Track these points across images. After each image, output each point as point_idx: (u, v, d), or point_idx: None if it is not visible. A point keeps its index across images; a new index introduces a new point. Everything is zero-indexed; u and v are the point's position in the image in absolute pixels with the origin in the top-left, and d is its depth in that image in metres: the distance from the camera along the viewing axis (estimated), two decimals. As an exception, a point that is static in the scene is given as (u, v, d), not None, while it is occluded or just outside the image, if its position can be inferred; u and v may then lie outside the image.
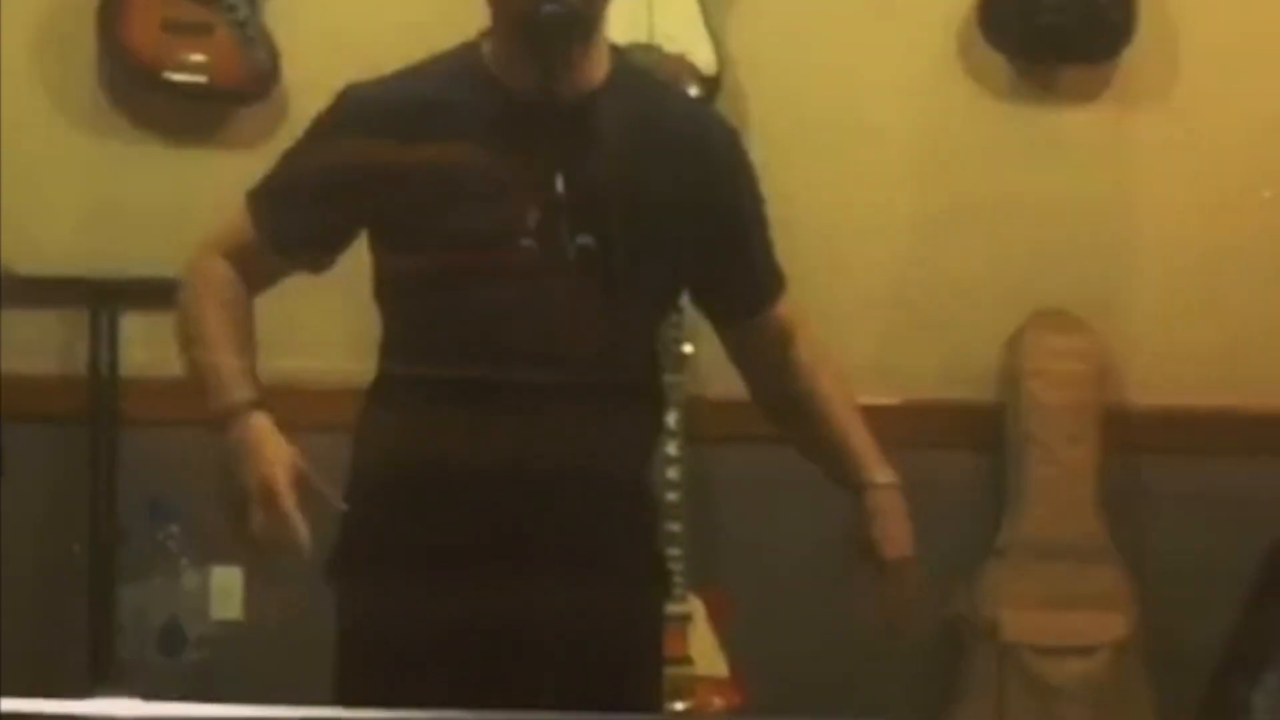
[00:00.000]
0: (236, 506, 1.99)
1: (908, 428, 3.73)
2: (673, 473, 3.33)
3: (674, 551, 3.31)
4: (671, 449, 3.33)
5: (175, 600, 3.36)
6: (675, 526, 3.32)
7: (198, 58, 3.32)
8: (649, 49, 3.35)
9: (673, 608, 3.30)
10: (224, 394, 2.05)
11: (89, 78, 3.44)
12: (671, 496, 3.30)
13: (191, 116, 3.42)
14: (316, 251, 2.16)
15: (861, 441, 2.27)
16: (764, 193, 2.29)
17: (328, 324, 3.22)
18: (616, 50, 2.18)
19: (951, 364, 3.66)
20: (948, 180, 3.62)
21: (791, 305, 2.31)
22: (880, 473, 2.26)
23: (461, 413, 2.04)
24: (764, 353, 2.28)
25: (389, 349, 2.17)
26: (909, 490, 3.49)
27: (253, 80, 3.35)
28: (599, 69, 2.11)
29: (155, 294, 3.46)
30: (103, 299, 3.46)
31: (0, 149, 3.36)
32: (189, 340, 2.13)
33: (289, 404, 2.13)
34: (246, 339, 2.12)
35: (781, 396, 2.30)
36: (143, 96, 3.41)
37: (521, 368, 1.91)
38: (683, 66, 3.39)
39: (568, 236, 1.80)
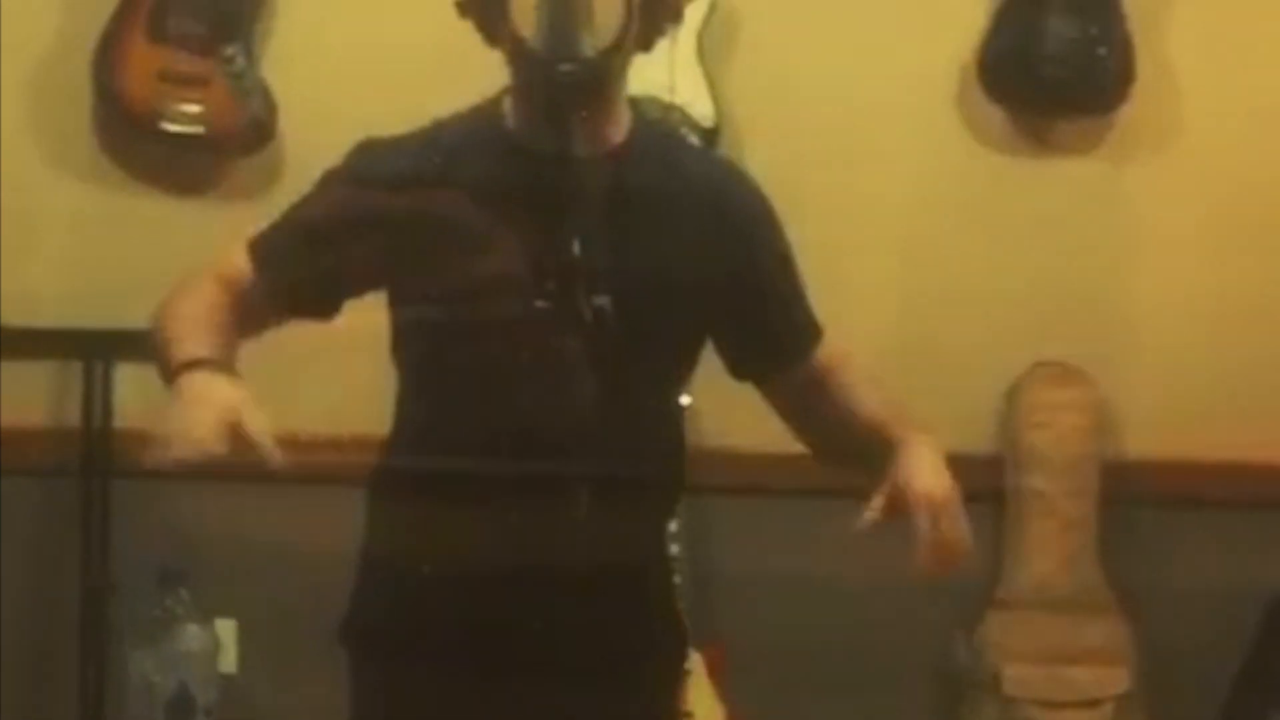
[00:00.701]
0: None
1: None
2: (672, 525, 3.30)
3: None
4: (670, 501, 3.33)
5: (184, 667, 3.30)
6: (676, 579, 3.29)
7: (194, 109, 3.31)
8: (649, 101, 3.36)
9: (670, 661, 3.29)
10: (174, 355, 1.96)
11: (85, 128, 3.43)
12: (671, 549, 3.28)
13: (188, 167, 3.41)
14: (321, 304, 2.11)
15: (897, 421, 2.18)
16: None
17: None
18: (637, 108, 2.16)
19: (950, 415, 3.63)
20: (946, 232, 3.61)
21: (830, 349, 2.26)
22: (908, 428, 2.16)
23: (477, 494, 1.99)
24: (810, 400, 2.23)
25: (403, 410, 2.13)
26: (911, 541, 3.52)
27: (249, 131, 3.34)
28: (619, 127, 2.09)
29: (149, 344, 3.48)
30: (97, 350, 3.44)
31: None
32: (159, 339, 2.05)
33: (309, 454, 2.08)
34: (216, 325, 2.02)
35: (843, 437, 2.23)
36: (139, 147, 3.40)
37: (538, 437, 1.86)
38: (682, 118, 3.39)
39: (584, 298, 1.78)
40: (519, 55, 1.90)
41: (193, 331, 1.99)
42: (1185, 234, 3.63)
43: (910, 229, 3.62)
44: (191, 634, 3.26)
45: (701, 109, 3.40)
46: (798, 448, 3.43)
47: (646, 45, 2.08)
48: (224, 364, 1.95)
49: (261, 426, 1.84)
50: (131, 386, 3.49)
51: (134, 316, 3.48)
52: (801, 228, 3.57)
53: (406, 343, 2.12)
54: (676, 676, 2.35)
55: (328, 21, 3.46)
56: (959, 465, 3.56)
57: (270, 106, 3.35)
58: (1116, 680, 3.45)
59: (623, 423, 2.00)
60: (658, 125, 2.23)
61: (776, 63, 3.54)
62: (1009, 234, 3.62)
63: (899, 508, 2.03)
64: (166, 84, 3.31)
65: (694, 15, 3.40)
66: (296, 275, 2.08)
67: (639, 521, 2.10)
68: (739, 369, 2.24)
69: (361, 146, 2.10)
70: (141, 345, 3.41)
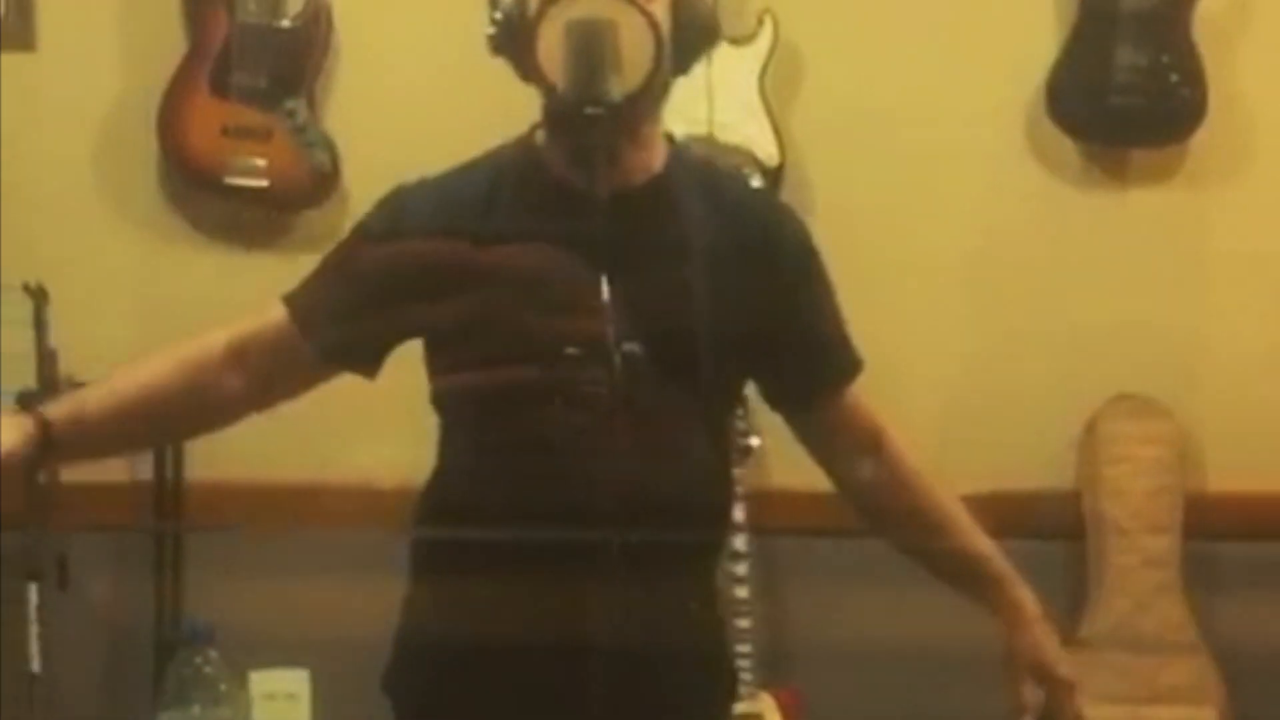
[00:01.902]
0: None
1: (985, 518, 3.65)
2: (740, 568, 3.27)
3: (743, 649, 3.26)
4: (739, 543, 3.29)
5: None
6: (744, 623, 3.26)
7: (257, 162, 3.32)
8: (708, 140, 3.34)
9: (743, 707, 3.25)
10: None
11: (150, 183, 3.46)
12: (740, 592, 3.25)
13: (253, 220, 3.42)
14: (365, 355, 2.10)
15: (1004, 567, 2.24)
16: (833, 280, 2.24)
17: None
18: (674, 144, 2.13)
19: (1028, 451, 3.59)
20: (1020, 266, 3.56)
21: (871, 402, 2.27)
22: (1034, 605, 2.24)
23: (508, 553, 1.96)
24: (843, 444, 2.23)
25: (441, 458, 2.12)
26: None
27: (313, 183, 3.35)
28: (651, 164, 2.06)
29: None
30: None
31: (63, 256, 3.44)
32: None
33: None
34: (145, 393, 2.07)
35: (878, 495, 2.24)
36: (204, 201, 3.42)
37: (568, 491, 1.82)
38: (743, 157, 3.37)
39: (613, 344, 1.74)
40: (548, 98, 1.88)
41: (101, 385, 2.09)
42: (1262, 262, 3.55)
43: (983, 264, 3.57)
44: (220, 694, 3.23)
45: (765, 148, 3.37)
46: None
47: (683, 69, 2.05)
48: (56, 423, 2.00)
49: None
50: (202, 441, 3.54)
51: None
52: (871, 266, 3.60)
53: (443, 392, 2.10)
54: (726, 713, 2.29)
55: (389, 72, 3.47)
56: (1037, 501, 3.58)
57: (333, 158, 3.37)
58: (1204, 721, 3.42)
59: (659, 470, 1.97)
60: (694, 157, 2.19)
61: (842, 99, 3.51)
62: (1083, 267, 3.57)
63: (1038, 679, 2.19)
64: (229, 138, 3.33)
65: (756, 54, 3.39)
66: (338, 328, 2.06)
67: (679, 572, 2.06)
68: (778, 400, 2.23)
69: (395, 192, 2.09)
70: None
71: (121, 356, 3.55)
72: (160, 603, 3.42)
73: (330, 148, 3.36)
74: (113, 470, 3.48)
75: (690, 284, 2.03)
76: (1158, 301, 3.56)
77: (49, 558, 3.19)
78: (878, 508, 2.28)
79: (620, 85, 1.81)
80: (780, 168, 3.38)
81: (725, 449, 2.22)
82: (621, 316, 1.77)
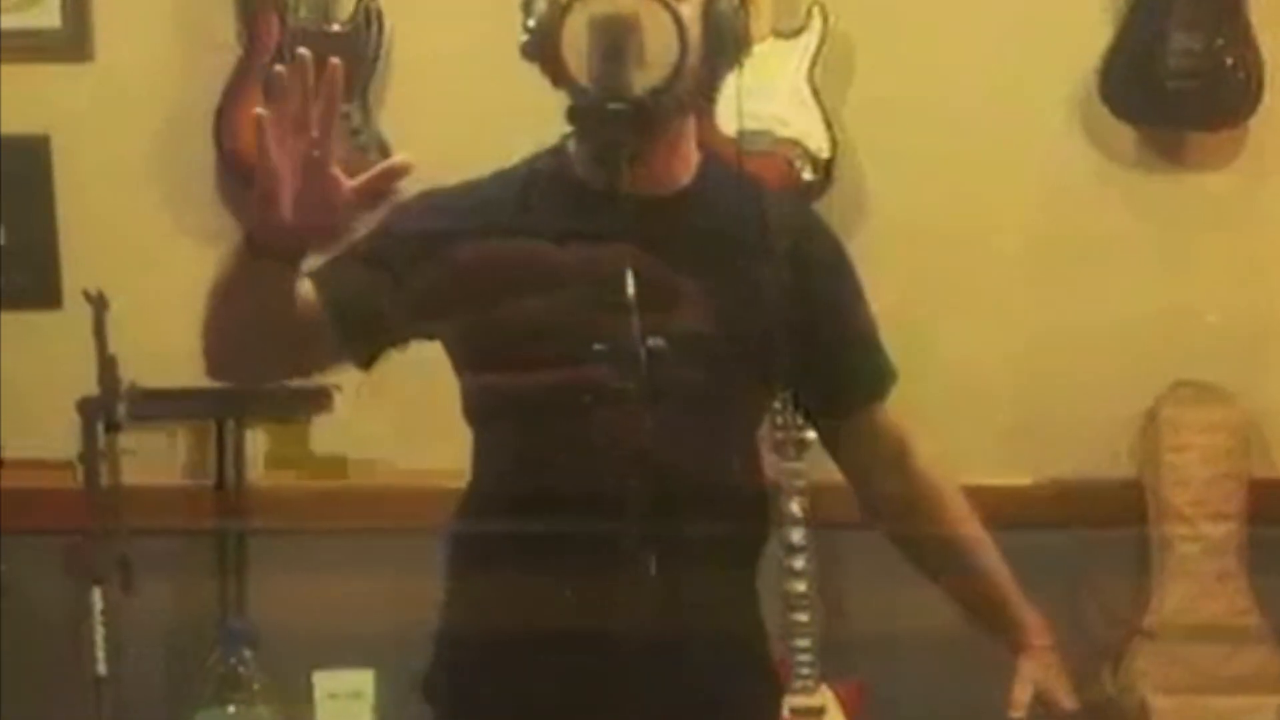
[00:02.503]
0: None
1: (1048, 508, 3.66)
2: (799, 562, 3.26)
3: (803, 643, 3.25)
4: (797, 537, 3.27)
5: None
6: (803, 617, 3.26)
7: (312, 166, 3.35)
8: (759, 134, 3.34)
9: (804, 700, 3.25)
10: None
11: (208, 189, 3.48)
12: (799, 586, 3.24)
13: (308, 223, 3.45)
14: (370, 336, 2.06)
15: (1016, 593, 2.27)
16: (867, 291, 2.25)
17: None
18: (709, 150, 2.15)
19: (1089, 439, 3.56)
20: (1077, 253, 3.53)
21: (905, 416, 2.28)
22: (1041, 633, 2.27)
23: (541, 552, 1.98)
24: (869, 455, 2.25)
25: (475, 464, 2.13)
26: (1051, 569, 3.44)
27: (367, 185, 3.37)
28: (686, 167, 2.08)
29: (280, 402, 3.53)
30: (228, 409, 3.49)
31: (122, 263, 3.47)
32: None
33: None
34: None
35: (903, 513, 2.27)
36: (259, 205, 3.46)
37: (599, 486, 1.79)
38: (796, 151, 3.37)
39: (639, 339, 1.72)
40: (572, 95, 1.88)
41: None
42: (1323, 245, 3.55)
43: (1040, 252, 3.54)
44: (255, 693, 3.25)
45: (817, 140, 3.36)
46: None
47: (714, 78, 2.07)
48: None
49: None
50: (263, 443, 3.57)
51: (261, 374, 3.59)
52: (927, 256, 3.59)
53: (473, 399, 2.11)
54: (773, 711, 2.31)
55: (441, 75, 3.48)
56: (1099, 490, 3.56)
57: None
58: (1270, 710, 3.33)
59: (689, 467, 1.96)
60: (730, 166, 2.20)
61: (894, 89, 3.48)
62: (1142, 252, 3.54)
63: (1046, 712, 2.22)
64: (284, 143, 3.36)
65: (806, 46, 3.38)
66: (354, 301, 2.01)
67: (712, 569, 2.05)
68: (810, 409, 2.26)
69: (427, 193, 2.09)
70: (271, 403, 3.55)
71: (181, 361, 3.61)
72: (224, 605, 3.44)
73: (384, 150, 3.36)
74: (174, 473, 3.58)
75: (724, 285, 2.03)
76: (1217, 286, 3.53)
77: (112, 561, 3.24)
78: (895, 520, 2.30)
79: (643, 81, 1.80)
80: (832, 160, 3.36)
81: (756, 449, 2.22)
82: (647, 313, 1.75)
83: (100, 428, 3.24)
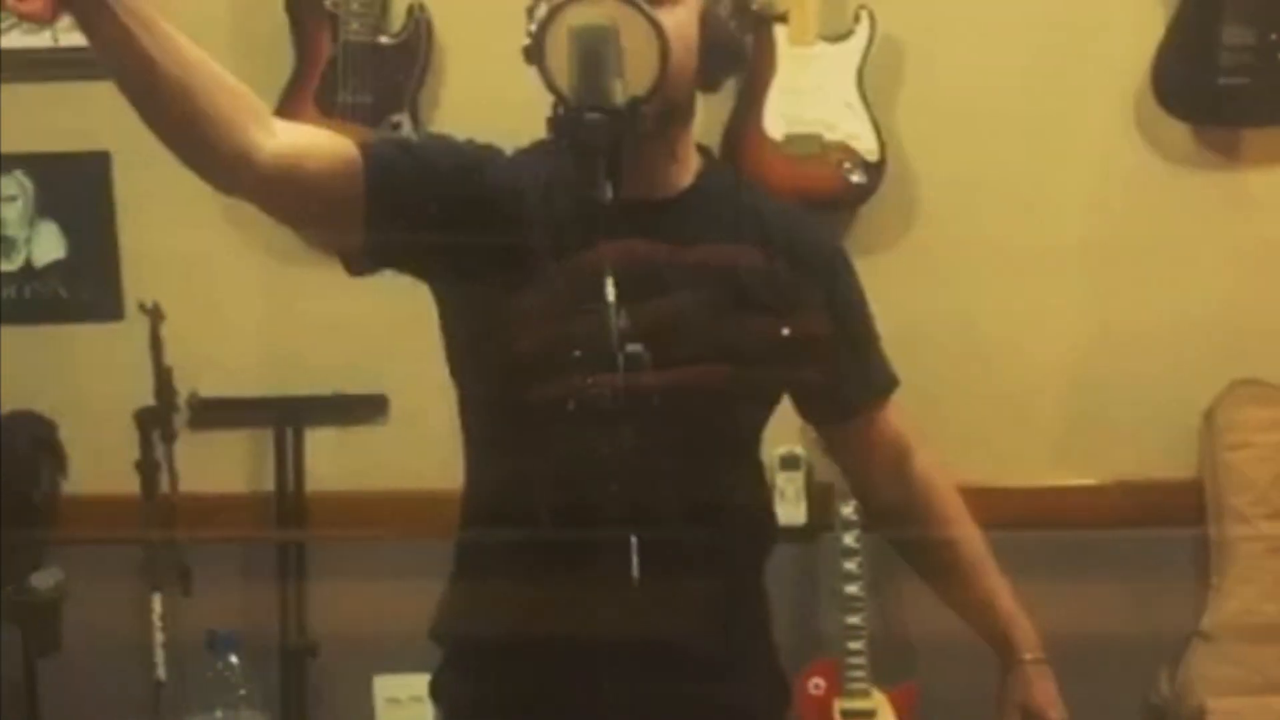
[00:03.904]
0: None
1: (1106, 508, 3.64)
2: (851, 565, 3.27)
3: (856, 645, 3.26)
4: (849, 540, 3.29)
5: None
6: (856, 620, 3.27)
7: (365, 176, 3.40)
8: (807, 138, 3.35)
9: (857, 704, 3.25)
10: None
11: (266, 201, 3.55)
12: (851, 589, 3.25)
13: (362, 234, 3.49)
14: (379, 233, 2.03)
15: (1009, 604, 2.27)
16: (867, 297, 2.24)
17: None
18: (710, 159, 2.15)
19: (1148, 440, 3.54)
20: (1133, 253, 3.50)
21: (909, 424, 2.28)
22: (1032, 646, 2.27)
23: (525, 558, 2.00)
24: (868, 459, 2.26)
25: (467, 469, 2.16)
26: (1111, 570, 3.41)
27: (418, 195, 3.41)
28: (683, 171, 2.09)
29: (338, 410, 3.57)
30: (287, 417, 3.54)
31: (179, 275, 3.53)
32: None
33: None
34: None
35: (901, 516, 2.27)
36: (316, 218, 3.50)
37: (577, 493, 1.80)
38: (844, 154, 3.37)
39: (617, 345, 1.69)
40: (555, 104, 1.86)
41: None
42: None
43: (1094, 251, 3.52)
44: (240, 699, 3.31)
45: (866, 144, 3.36)
46: (993, 481, 3.44)
47: (712, 87, 2.08)
48: None
49: None
50: (322, 451, 3.62)
51: (321, 383, 3.63)
52: (980, 256, 3.58)
53: (463, 399, 2.12)
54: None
55: (490, 85, 3.49)
56: (1159, 491, 3.52)
57: (439, 170, 3.42)
58: (1329, 711, 3.33)
59: (674, 476, 1.96)
60: (729, 173, 2.20)
61: (943, 92, 3.48)
62: (1197, 250, 3.50)
63: None
64: (337, 154, 3.40)
65: (854, 50, 3.38)
66: (390, 186, 1.98)
67: (715, 577, 2.05)
68: (810, 415, 2.25)
69: (492, 148, 2.08)
70: (329, 411, 3.59)
71: (236, 371, 3.69)
72: (284, 611, 3.49)
73: (435, 160, 3.43)
74: (234, 482, 3.63)
75: (718, 290, 2.03)
76: (1274, 284, 3.48)
77: (172, 567, 3.29)
78: (892, 524, 2.30)
79: (623, 90, 1.77)
80: (881, 163, 3.36)
81: (757, 455, 2.22)
82: (628, 320, 1.72)
83: (157, 437, 3.31)
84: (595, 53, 1.73)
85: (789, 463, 3.39)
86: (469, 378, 2.11)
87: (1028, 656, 2.25)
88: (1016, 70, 3.48)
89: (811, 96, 3.37)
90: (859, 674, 3.29)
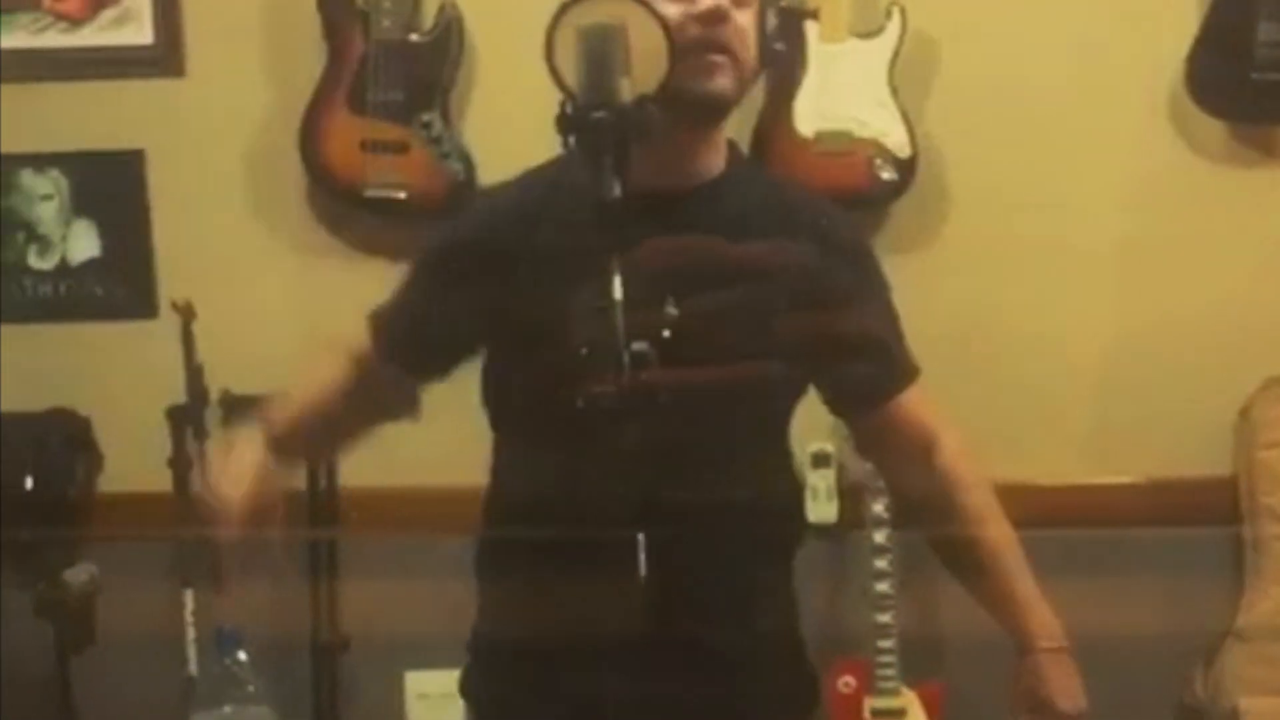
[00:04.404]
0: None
1: (1142, 506, 3.62)
2: (882, 562, 3.26)
3: (886, 644, 3.25)
4: (880, 538, 3.28)
5: None
6: (887, 618, 3.26)
7: (395, 175, 3.39)
8: (838, 135, 3.34)
9: (887, 702, 3.24)
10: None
11: (298, 199, 3.55)
12: (882, 587, 3.24)
13: (392, 231, 3.46)
14: (433, 363, 2.19)
15: (1028, 593, 2.25)
16: (889, 282, 2.24)
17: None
18: (734, 151, 2.16)
19: (1183, 438, 3.52)
20: (1167, 250, 3.49)
21: (932, 408, 2.27)
22: (1049, 635, 2.25)
23: (540, 557, 2.02)
24: (892, 449, 2.26)
25: (492, 471, 2.20)
26: (1145, 570, 3.39)
27: (449, 194, 3.39)
28: (702, 170, 2.10)
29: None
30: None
31: (212, 273, 3.54)
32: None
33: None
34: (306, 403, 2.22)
35: (927, 507, 2.26)
36: (347, 215, 3.50)
37: (587, 493, 1.82)
38: (875, 151, 3.35)
39: (622, 343, 1.69)
40: (563, 100, 1.87)
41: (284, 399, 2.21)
42: None
43: (1128, 249, 3.50)
44: (248, 694, 3.33)
45: (897, 140, 3.35)
46: (1025, 479, 3.43)
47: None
48: (275, 437, 2.14)
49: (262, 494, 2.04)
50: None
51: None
52: (1013, 253, 3.56)
53: (488, 395, 2.16)
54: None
55: (522, 82, 3.48)
56: (1194, 489, 3.50)
57: (469, 168, 3.41)
58: (1364, 712, 3.30)
59: (689, 473, 1.97)
60: (752, 163, 2.21)
61: (976, 88, 3.46)
62: (1232, 247, 3.48)
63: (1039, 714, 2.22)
64: (368, 153, 3.40)
65: (885, 46, 3.37)
66: (407, 339, 2.16)
67: (743, 571, 2.07)
68: (833, 404, 2.24)
69: (473, 199, 2.15)
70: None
71: (268, 369, 3.69)
72: (316, 608, 3.49)
73: (466, 158, 3.41)
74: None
75: (739, 283, 2.03)
76: (1310, 280, 3.49)
77: (204, 564, 3.31)
78: (922, 515, 2.30)
79: (630, 88, 1.77)
80: (913, 159, 3.35)
81: (787, 446, 2.23)
82: (631, 317, 1.72)
83: (190, 435, 3.33)
84: (601, 52, 1.73)
85: (820, 460, 3.39)
86: (492, 376, 2.14)
87: (1043, 644, 2.23)
88: (1049, 66, 3.47)
89: (842, 93, 3.36)
90: (889, 672, 3.28)
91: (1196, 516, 3.47)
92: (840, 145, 3.34)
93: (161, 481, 3.43)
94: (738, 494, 2.07)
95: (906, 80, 3.43)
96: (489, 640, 2.18)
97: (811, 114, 3.38)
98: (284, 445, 2.13)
